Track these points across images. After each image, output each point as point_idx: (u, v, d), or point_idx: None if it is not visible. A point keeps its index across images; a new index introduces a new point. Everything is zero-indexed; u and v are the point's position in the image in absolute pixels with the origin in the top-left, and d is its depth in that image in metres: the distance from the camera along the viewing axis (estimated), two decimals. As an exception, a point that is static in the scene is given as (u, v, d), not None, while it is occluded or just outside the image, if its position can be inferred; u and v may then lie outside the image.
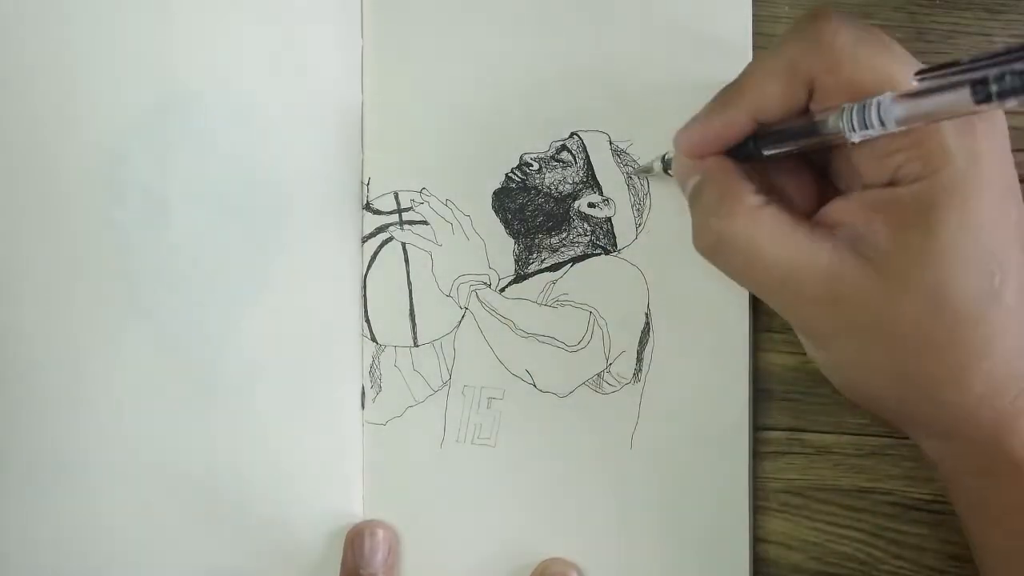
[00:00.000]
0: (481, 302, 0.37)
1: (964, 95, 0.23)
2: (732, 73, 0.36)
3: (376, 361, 0.38)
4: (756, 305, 0.36)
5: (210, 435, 0.37)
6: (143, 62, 0.37)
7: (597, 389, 0.37)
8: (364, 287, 0.38)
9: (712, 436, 0.37)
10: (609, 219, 0.37)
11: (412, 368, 0.37)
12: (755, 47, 0.37)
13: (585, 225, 0.37)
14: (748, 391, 0.37)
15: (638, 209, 0.37)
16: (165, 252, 0.37)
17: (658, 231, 0.37)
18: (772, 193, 0.32)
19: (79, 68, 0.37)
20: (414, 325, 0.37)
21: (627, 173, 0.37)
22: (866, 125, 0.26)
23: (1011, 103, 0.22)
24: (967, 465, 0.31)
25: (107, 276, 0.37)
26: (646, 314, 0.37)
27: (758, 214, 0.30)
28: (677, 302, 0.37)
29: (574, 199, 0.37)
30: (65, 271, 0.37)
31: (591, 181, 0.37)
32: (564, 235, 0.37)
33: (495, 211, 0.37)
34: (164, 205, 0.37)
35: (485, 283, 0.37)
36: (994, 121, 0.28)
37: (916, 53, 0.37)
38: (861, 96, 0.26)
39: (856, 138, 0.27)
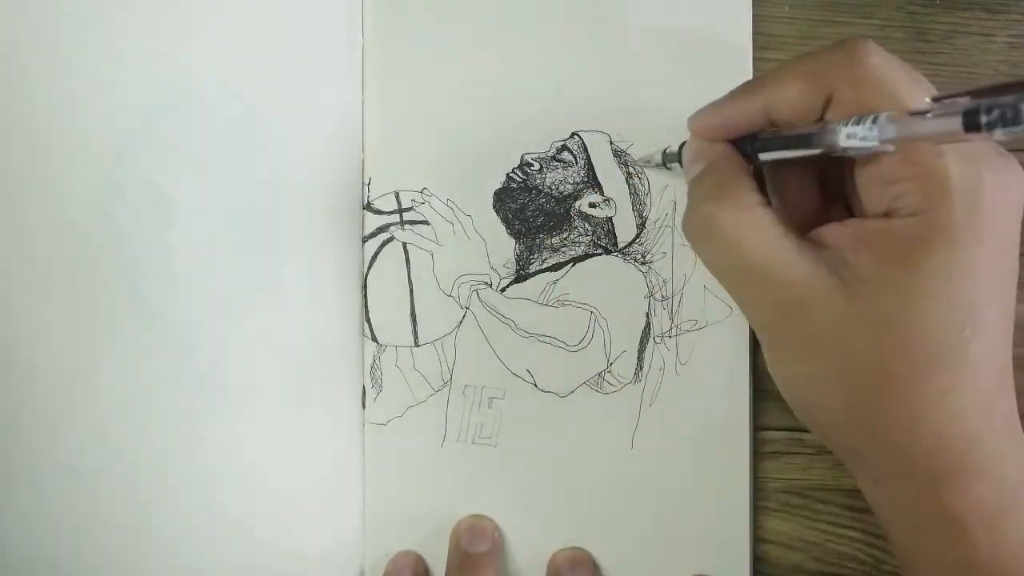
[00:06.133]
0: (482, 302, 0.37)
1: (955, 123, 0.23)
2: (732, 73, 0.37)
3: (377, 361, 0.38)
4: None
5: (210, 435, 0.37)
6: (144, 62, 0.37)
7: (598, 389, 0.37)
8: (365, 287, 0.38)
9: (712, 436, 0.37)
10: (610, 219, 0.37)
11: (413, 368, 0.37)
12: (755, 47, 0.37)
13: (586, 225, 0.37)
14: (748, 391, 0.37)
15: (639, 209, 0.37)
16: (166, 252, 0.37)
17: (659, 231, 0.37)
18: (783, 197, 0.32)
19: (81, 67, 0.37)
20: (415, 325, 0.37)
21: (627, 173, 0.37)
22: (857, 136, 0.26)
23: (998, 135, 0.22)
24: (904, 515, 0.30)
25: (108, 276, 0.37)
26: (647, 314, 0.37)
27: (751, 210, 0.30)
28: (678, 302, 0.37)
29: (575, 199, 0.37)
30: (66, 271, 0.37)
31: (592, 181, 0.37)
32: (565, 235, 0.37)
33: (496, 211, 0.37)
34: (165, 205, 0.37)
35: (486, 283, 0.37)
36: (1008, 179, 0.28)
37: (916, 53, 0.37)
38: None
39: (843, 143, 0.27)
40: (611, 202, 0.37)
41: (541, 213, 0.37)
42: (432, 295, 0.37)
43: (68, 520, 0.37)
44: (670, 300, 0.37)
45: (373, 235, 0.38)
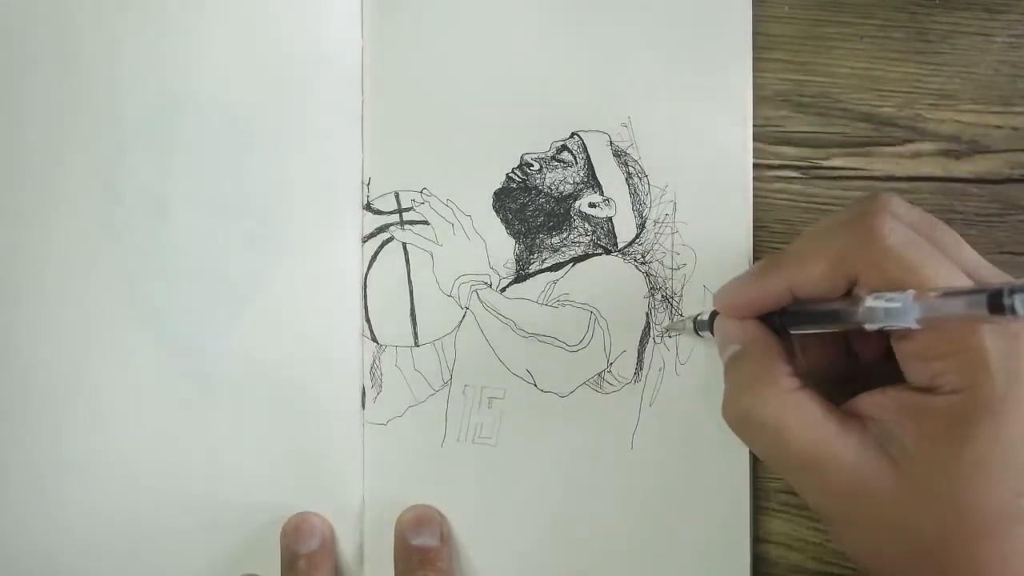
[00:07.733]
0: (482, 302, 0.37)
1: (981, 303, 0.23)
2: (732, 73, 0.37)
3: (377, 361, 0.38)
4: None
5: (210, 435, 0.37)
6: (144, 64, 0.37)
7: (598, 389, 0.37)
8: (364, 287, 0.38)
9: (712, 436, 0.37)
10: (610, 219, 0.37)
11: (413, 368, 0.37)
12: (755, 47, 0.37)
13: (586, 225, 0.37)
14: (749, 391, 0.37)
15: (639, 209, 0.37)
16: (165, 252, 0.37)
17: (659, 231, 0.37)
18: (812, 359, 0.32)
19: (80, 70, 0.37)
20: (415, 325, 0.37)
21: (627, 173, 0.37)
22: (885, 316, 0.27)
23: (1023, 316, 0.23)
24: None
25: (108, 277, 0.37)
26: (647, 314, 0.37)
27: (790, 398, 0.30)
28: (678, 302, 0.37)
29: (575, 199, 0.37)
30: (66, 272, 0.37)
31: (592, 181, 0.37)
32: (565, 235, 0.37)
33: (496, 211, 0.37)
34: (164, 206, 0.37)
35: (486, 283, 0.37)
36: None
37: (916, 53, 0.37)
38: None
39: (872, 328, 0.27)
40: (611, 202, 0.37)
41: (541, 213, 0.37)
42: (432, 295, 0.37)
43: (68, 519, 0.37)
44: (670, 300, 0.37)
45: (373, 235, 0.38)
